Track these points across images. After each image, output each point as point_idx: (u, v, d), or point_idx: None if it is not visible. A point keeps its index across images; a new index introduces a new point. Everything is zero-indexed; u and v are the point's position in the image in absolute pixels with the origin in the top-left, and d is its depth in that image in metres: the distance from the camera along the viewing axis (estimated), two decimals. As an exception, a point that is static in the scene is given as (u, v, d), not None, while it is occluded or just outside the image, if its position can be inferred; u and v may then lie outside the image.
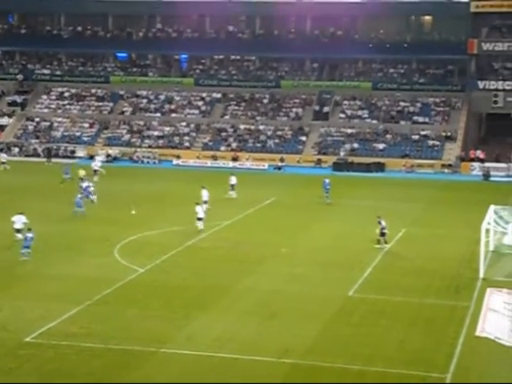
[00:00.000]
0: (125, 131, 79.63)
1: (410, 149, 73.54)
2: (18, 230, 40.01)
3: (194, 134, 78.49)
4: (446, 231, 45.35)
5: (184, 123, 79.77)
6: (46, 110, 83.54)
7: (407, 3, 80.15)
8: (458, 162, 71.02)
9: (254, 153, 74.64)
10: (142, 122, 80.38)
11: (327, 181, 54.89)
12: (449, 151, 72.92)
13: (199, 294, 32.63)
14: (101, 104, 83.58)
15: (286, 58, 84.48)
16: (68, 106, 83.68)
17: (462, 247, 41.21)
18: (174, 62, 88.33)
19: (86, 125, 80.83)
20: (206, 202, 49.21)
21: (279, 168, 71.20)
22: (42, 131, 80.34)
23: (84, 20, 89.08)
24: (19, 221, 40.34)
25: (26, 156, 76.29)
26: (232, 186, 55.11)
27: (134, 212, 45.25)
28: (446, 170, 70.37)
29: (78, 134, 79.68)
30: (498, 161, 70.28)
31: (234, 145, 76.21)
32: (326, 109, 78.88)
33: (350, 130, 76.50)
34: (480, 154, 71.06)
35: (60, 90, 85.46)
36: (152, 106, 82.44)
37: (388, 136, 75.17)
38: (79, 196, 49.13)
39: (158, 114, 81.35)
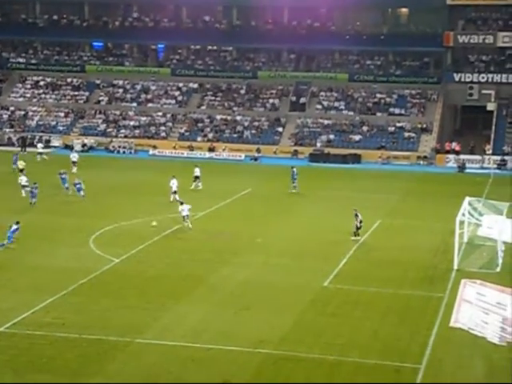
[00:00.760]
0: (100, 121, 79.22)
1: (386, 140, 73.78)
2: None
3: (170, 124, 78.24)
4: (421, 222, 45.60)
5: (160, 113, 79.50)
6: (20, 99, 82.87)
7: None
8: (433, 154, 71.37)
9: (230, 143, 74.56)
10: (118, 112, 79.99)
11: (295, 170, 55.11)
12: (424, 143, 73.24)
13: (174, 285, 32.64)
14: (76, 93, 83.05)
15: (263, 49, 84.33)
16: (43, 95, 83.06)
17: (436, 238, 41.46)
18: (150, 51, 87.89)
19: (62, 114, 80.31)
20: (175, 193, 49.10)
21: (256, 159, 71.19)
22: (17, 120, 79.72)
23: (60, 8, 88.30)
24: None
25: (1, 145, 75.69)
26: (196, 177, 54.58)
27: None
28: (421, 162, 70.68)
29: (53, 123, 79.16)
30: (472, 153, 70.69)
31: (210, 135, 76.09)
32: (302, 100, 78.94)
33: (326, 122, 76.60)
34: (455, 146, 71.41)
35: (35, 78, 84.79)
36: (128, 96, 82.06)
37: (364, 128, 75.37)
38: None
39: (134, 104, 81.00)
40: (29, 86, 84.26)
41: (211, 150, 73.28)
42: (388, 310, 30.28)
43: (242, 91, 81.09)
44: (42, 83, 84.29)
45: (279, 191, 55.14)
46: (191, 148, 73.82)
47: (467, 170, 67.63)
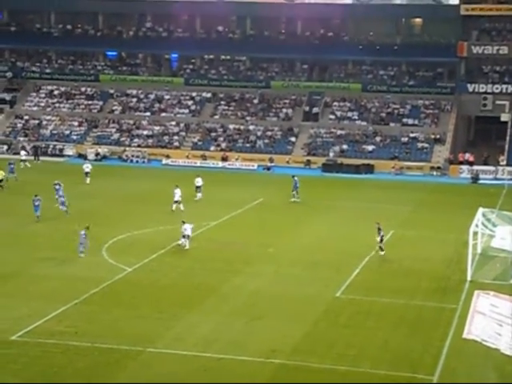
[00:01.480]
0: (114, 130, 79.45)
1: (399, 151, 73.64)
2: None
3: (183, 134, 78.39)
4: (434, 233, 45.43)
5: (174, 122, 79.67)
6: (35, 108, 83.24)
7: (397, 5, 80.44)
8: (446, 165, 71.14)
9: (243, 153, 74.59)
10: (131, 121, 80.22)
11: (296, 179, 55.21)
12: (438, 154, 73.05)
13: (186, 294, 32.61)
14: (90, 102, 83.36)
15: (277, 59, 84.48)
16: (57, 105, 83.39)
17: (449, 249, 41.30)
18: (164, 61, 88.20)
19: (76, 123, 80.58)
20: (177, 202, 49.05)
21: (268, 168, 71.18)
22: (31, 129, 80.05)
23: (74, 18, 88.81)
24: None
25: (15, 154, 75.86)
26: (198, 187, 53.96)
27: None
28: (434, 173, 70.47)
29: (67, 132, 79.43)
30: (486, 164, 70.44)
31: (223, 145, 76.16)
32: (315, 110, 78.93)
33: (339, 132, 76.55)
34: (469, 156, 71.19)
35: (49, 88, 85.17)
36: (142, 105, 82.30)
37: (377, 138, 75.26)
38: None
39: (148, 113, 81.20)
40: (43, 95, 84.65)
41: (224, 159, 73.33)
42: (400, 320, 30.15)
43: (255, 101, 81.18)
44: (56, 92, 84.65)
45: (292, 201, 55.04)
46: (204, 157, 73.90)
47: (481, 181, 67.36)
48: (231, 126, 78.45)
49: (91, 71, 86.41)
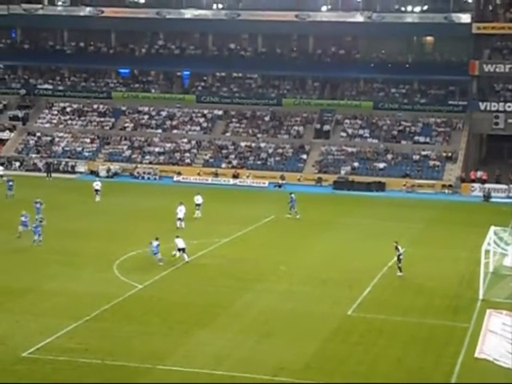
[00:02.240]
0: (126, 147, 79.68)
1: (411, 169, 73.54)
2: None
3: (194, 151, 78.54)
4: (446, 251, 45.27)
5: (185, 140, 79.85)
6: (47, 125, 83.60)
7: (409, 24, 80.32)
8: (458, 183, 70.97)
9: (254, 170, 74.65)
10: (143, 138, 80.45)
11: (293, 196, 55.28)
12: (449, 172, 72.91)
13: (197, 311, 32.57)
14: (102, 119, 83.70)
15: (288, 76, 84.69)
16: (70, 121, 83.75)
17: (461, 268, 41.15)
18: (176, 78, 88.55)
19: (88, 140, 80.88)
20: (180, 219, 49.02)
21: (279, 186, 71.17)
22: (43, 146, 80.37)
23: (87, 36, 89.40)
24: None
25: (27, 170, 76.33)
26: (197, 205, 53.44)
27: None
28: (446, 191, 70.29)
29: (79, 149, 79.72)
30: (498, 182, 70.22)
31: (234, 162, 76.25)
32: (327, 127, 78.99)
33: (350, 149, 76.53)
34: (481, 175, 71.01)
35: (62, 105, 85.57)
36: (153, 122, 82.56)
37: (389, 155, 75.21)
38: None
39: (160, 131, 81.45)
40: (55, 112, 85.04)
41: (235, 176, 73.38)
42: (412, 339, 30.02)
43: (267, 118, 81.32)
44: (68, 109, 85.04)
45: (303, 218, 55.00)
46: (215, 174, 73.98)
47: (493, 200, 67.13)
48: (242, 144, 78.57)
49: (103, 88, 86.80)
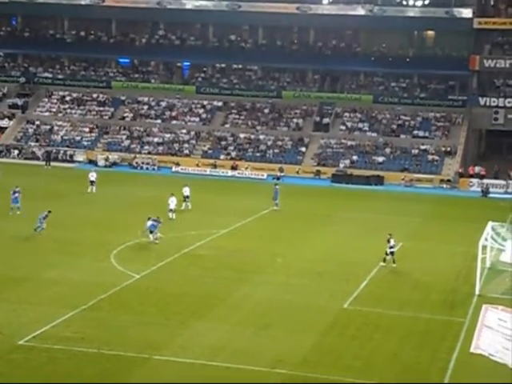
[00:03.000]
0: (125, 137, 79.64)
1: (410, 163, 73.59)
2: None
3: (193, 142, 78.53)
4: (443, 246, 45.32)
5: (184, 130, 79.82)
6: (46, 114, 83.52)
7: (410, 18, 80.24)
8: (456, 178, 71.04)
9: (253, 162, 74.66)
10: (142, 128, 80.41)
11: (278, 188, 55.47)
12: (448, 166, 72.97)
13: (194, 302, 32.59)
14: (102, 109, 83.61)
15: (288, 69, 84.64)
16: (69, 110, 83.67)
17: (458, 263, 41.21)
18: (176, 69, 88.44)
19: (86, 129, 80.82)
20: (171, 211, 48.96)
21: (278, 178, 71.13)
22: (42, 134, 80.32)
23: (87, 25, 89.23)
24: None
25: (26, 159, 76.28)
26: (186, 197, 52.82)
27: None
28: (444, 186, 70.37)
29: (77, 138, 79.66)
30: (496, 177, 70.31)
31: (233, 153, 76.24)
32: (326, 120, 78.98)
33: (349, 142, 76.55)
34: (479, 170, 71.09)
35: (61, 93, 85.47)
36: (153, 113, 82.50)
37: (388, 149, 75.22)
38: None
39: (159, 121, 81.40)
40: (55, 101, 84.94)
41: (234, 168, 73.39)
42: (408, 333, 30.06)
43: (266, 110, 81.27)
44: (67, 98, 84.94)
45: (301, 211, 55.08)
46: (214, 166, 73.97)
47: (491, 195, 67.23)
48: (242, 135, 78.54)
49: (103, 78, 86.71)
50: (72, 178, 65.80)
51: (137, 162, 74.88)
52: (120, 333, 28.55)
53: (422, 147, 75.01)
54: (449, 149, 74.37)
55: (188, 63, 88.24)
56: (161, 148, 77.74)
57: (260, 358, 26.54)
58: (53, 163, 72.95)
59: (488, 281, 36.82)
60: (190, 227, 46.12)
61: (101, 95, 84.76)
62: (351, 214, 54.92)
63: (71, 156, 76.38)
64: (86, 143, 78.90)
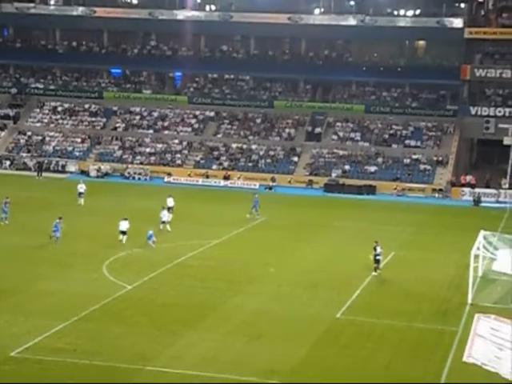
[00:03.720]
0: (117, 147, 79.57)
1: (402, 172, 73.71)
2: None
3: (186, 152, 78.51)
4: (435, 255, 45.38)
5: (176, 141, 79.81)
6: (38, 124, 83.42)
7: (401, 28, 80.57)
8: (448, 187, 71.17)
9: (245, 172, 74.68)
10: (134, 139, 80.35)
11: (257, 197, 55.64)
12: (440, 176, 73.11)
13: (186, 312, 32.53)
14: (94, 119, 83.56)
15: (280, 79, 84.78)
16: (61, 121, 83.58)
17: (450, 272, 41.24)
18: (168, 79, 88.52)
19: (78, 140, 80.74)
20: (164, 223, 48.68)
21: (270, 188, 71.24)
22: (34, 145, 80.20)
23: (79, 35, 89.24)
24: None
25: (17, 169, 76.14)
26: (169, 208, 51.80)
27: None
28: (436, 195, 70.49)
29: (69, 148, 79.56)
30: (488, 187, 70.47)
31: (225, 164, 76.25)
32: (318, 130, 79.09)
33: (342, 152, 76.65)
34: (471, 179, 71.25)
35: (53, 104, 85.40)
36: (145, 123, 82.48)
37: (380, 159, 75.35)
38: None
39: (151, 131, 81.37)
40: (47, 112, 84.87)
41: (226, 178, 73.39)
42: (401, 342, 30.05)
43: (258, 120, 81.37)
44: (59, 109, 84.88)
45: (293, 221, 55.08)
46: (206, 176, 73.96)
47: (482, 204, 67.37)
48: (234, 145, 78.58)
49: (95, 88, 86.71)
50: (64, 188, 65.62)
51: (129, 173, 74.79)
52: (112, 343, 28.47)
53: (414, 157, 75.16)
54: (440, 158, 74.53)
55: (180, 73, 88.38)
56: (153, 158, 77.70)
57: (252, 368, 26.48)
58: (45, 174, 72.84)
59: (480, 290, 36.84)
60: (182, 237, 46.07)
61: (93, 105, 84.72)
62: (344, 223, 54.94)
63: (63, 166, 76.25)
64: (77, 154, 78.80)
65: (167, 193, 55.78)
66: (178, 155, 77.97)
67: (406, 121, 78.72)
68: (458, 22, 78.18)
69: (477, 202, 67.70)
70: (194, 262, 41.42)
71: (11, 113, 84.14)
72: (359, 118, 79.77)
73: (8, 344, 27.68)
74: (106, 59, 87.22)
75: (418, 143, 76.72)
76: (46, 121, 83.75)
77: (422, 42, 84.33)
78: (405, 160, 75.06)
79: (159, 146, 79.24)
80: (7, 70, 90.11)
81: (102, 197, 61.02)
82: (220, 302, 34.27)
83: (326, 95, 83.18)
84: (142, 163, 76.87)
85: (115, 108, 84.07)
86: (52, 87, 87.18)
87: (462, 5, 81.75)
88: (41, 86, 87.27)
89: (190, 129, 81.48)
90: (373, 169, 74.21)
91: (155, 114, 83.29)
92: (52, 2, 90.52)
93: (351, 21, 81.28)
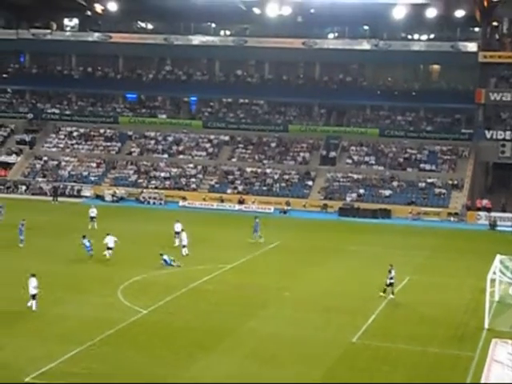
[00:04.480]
0: (132, 171, 79.89)
1: (417, 196, 73.54)
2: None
3: (200, 176, 78.71)
4: (451, 280, 45.14)
5: (191, 165, 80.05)
6: (54, 149, 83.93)
7: (416, 52, 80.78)
8: (464, 211, 70.92)
9: (260, 196, 74.72)
10: (149, 163, 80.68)
11: (258, 221, 55.54)
12: (455, 199, 72.88)
13: (202, 336, 32.48)
14: (109, 144, 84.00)
15: (294, 103, 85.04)
16: (76, 146, 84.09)
17: (466, 296, 40.99)
18: (182, 104, 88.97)
19: (94, 164, 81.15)
20: (185, 246, 48.81)
21: (285, 212, 71.20)
22: (50, 170, 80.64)
23: (95, 61, 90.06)
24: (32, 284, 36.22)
25: (33, 194, 76.53)
26: (176, 233, 51.51)
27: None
28: (452, 219, 70.23)
29: (85, 173, 79.95)
30: (504, 210, 70.16)
31: (240, 188, 76.35)
32: (333, 154, 79.15)
33: (356, 176, 76.61)
34: (486, 203, 70.98)
35: (69, 129, 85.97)
36: (160, 147, 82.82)
37: (394, 183, 75.26)
38: None
39: (166, 156, 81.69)
40: (62, 137, 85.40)
41: (241, 202, 73.43)
42: (416, 367, 29.85)
43: (273, 144, 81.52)
44: (75, 134, 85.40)
45: (308, 244, 55.00)
46: (221, 200, 74.04)
47: (498, 228, 67.04)
48: (248, 169, 78.71)
49: (110, 113, 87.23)
50: (79, 213, 65.73)
51: (144, 197, 74.98)
52: (127, 368, 28.43)
53: (429, 180, 75.01)
54: (456, 182, 74.35)
55: (195, 98, 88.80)
56: (168, 182, 77.91)
57: (268, 393, 26.37)
58: (60, 198, 73.16)
59: (497, 315, 36.58)
60: (197, 262, 46.05)
61: (108, 130, 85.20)
62: (358, 247, 54.80)
63: (78, 191, 76.60)
64: (93, 178, 79.14)
65: (182, 217, 55.80)
66: (193, 179, 78.16)
67: (421, 145, 78.67)
68: (472, 46, 78.31)
69: (493, 225, 67.39)
70: (209, 286, 41.39)
71: (27, 138, 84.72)
72: (374, 141, 79.80)
73: (24, 368, 27.70)
74: (121, 84, 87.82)
75: (433, 167, 76.59)
76: (61, 146, 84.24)
77: (436, 66, 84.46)
78: (420, 184, 74.92)
79: (174, 170, 79.48)
80: (23, 96, 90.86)
81: (117, 221, 61.12)
82: (235, 326, 34.20)
83: (341, 119, 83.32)
84: (156, 187, 77.09)
85: (130, 133, 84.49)
86: (68, 112, 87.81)
87: (476, 29, 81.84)
88: (57, 112, 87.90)
89: (204, 153, 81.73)
90: (388, 193, 74.10)
91: (170, 139, 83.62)
92: (68, 28, 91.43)
93: (365, 45, 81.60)
